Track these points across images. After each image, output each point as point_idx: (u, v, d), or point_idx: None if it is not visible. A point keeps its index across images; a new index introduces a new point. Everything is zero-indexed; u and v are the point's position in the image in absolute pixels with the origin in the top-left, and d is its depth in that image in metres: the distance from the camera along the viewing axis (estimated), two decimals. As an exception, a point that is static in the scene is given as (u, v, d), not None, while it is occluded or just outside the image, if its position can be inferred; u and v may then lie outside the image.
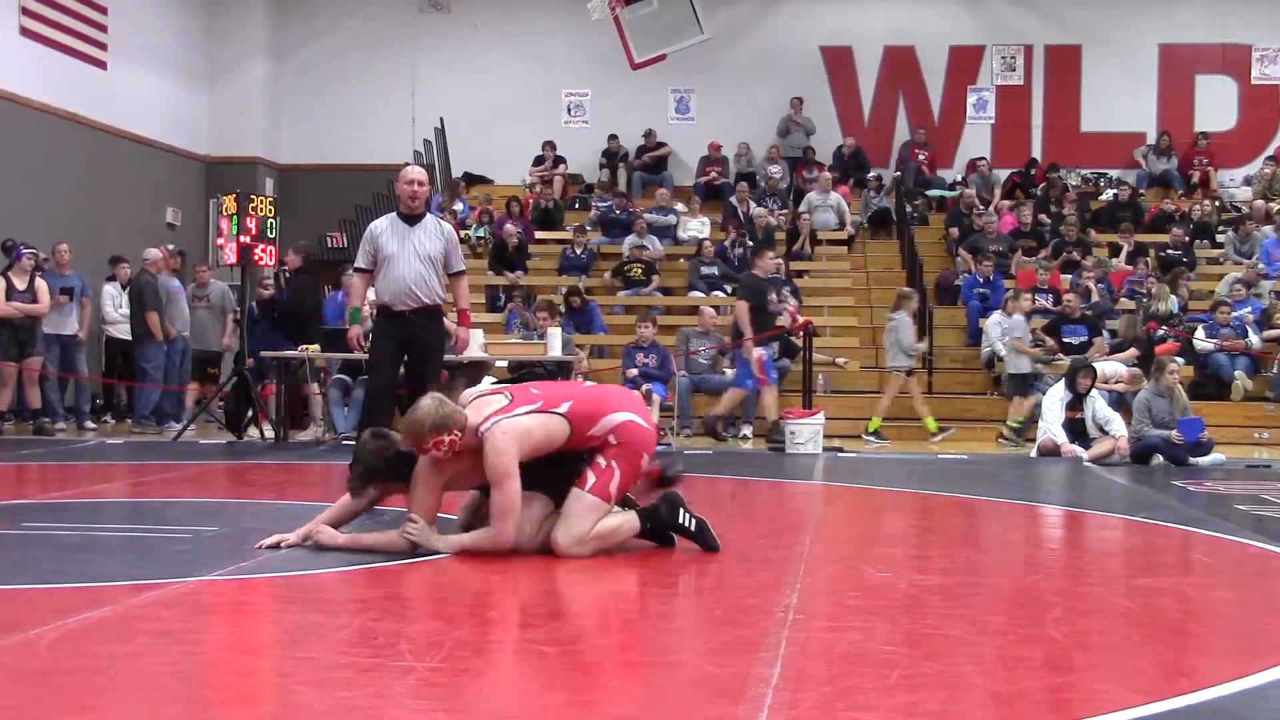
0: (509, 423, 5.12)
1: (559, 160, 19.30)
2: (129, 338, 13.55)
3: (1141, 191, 18.67)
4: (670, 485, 5.64)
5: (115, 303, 13.77)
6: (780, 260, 13.44)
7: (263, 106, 19.52)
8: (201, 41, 19.09)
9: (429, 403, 5.11)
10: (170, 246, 14.48)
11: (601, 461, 5.22)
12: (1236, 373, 13.55)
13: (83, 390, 13.53)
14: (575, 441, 5.23)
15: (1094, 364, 11.92)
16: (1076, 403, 11.09)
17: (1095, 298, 14.77)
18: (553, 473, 5.29)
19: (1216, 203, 18.19)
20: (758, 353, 12.13)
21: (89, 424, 13.09)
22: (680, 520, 5.41)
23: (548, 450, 5.22)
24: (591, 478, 5.20)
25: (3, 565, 5.07)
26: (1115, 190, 18.31)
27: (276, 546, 5.24)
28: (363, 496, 5.40)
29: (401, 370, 7.67)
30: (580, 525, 5.17)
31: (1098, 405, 11.11)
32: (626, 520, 5.35)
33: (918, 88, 19.69)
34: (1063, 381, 11.36)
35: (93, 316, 13.76)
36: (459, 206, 18.08)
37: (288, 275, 13.81)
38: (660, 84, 19.01)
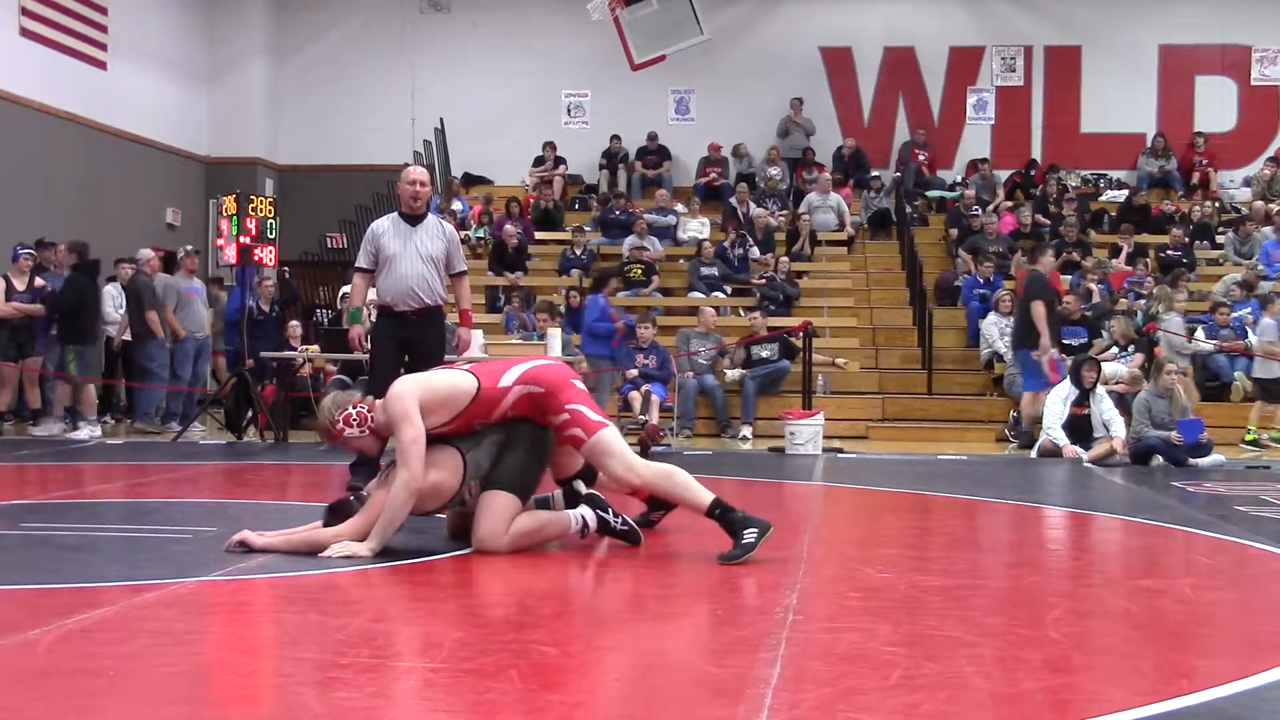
0: (408, 377, 5.42)
1: (559, 161, 19.31)
2: (128, 338, 13.55)
3: (1142, 191, 18.68)
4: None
5: (115, 303, 13.77)
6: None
7: (263, 107, 19.53)
8: (201, 42, 19.09)
9: (325, 399, 5.48)
10: (189, 247, 14.47)
11: (565, 415, 5.26)
12: (1236, 374, 13.55)
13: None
14: (485, 397, 5.24)
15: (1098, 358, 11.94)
16: (1083, 398, 11.07)
17: (1096, 299, 14.77)
18: (518, 471, 5.30)
19: (1216, 204, 18.20)
20: (1051, 352, 11.79)
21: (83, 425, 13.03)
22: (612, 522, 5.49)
23: (453, 406, 5.24)
24: (579, 430, 5.24)
25: (3, 566, 5.07)
26: (1126, 190, 18.30)
27: (244, 545, 5.17)
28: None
29: (402, 371, 7.67)
30: (625, 454, 5.27)
31: (1104, 403, 11.08)
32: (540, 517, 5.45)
33: (917, 88, 19.70)
34: (1067, 379, 11.34)
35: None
36: (457, 206, 18.07)
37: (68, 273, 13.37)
38: (660, 85, 19.01)
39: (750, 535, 5.10)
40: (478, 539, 5.21)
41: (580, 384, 5.44)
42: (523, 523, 5.28)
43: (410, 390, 5.20)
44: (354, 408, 5.28)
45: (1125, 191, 18.55)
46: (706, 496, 5.22)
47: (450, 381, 5.27)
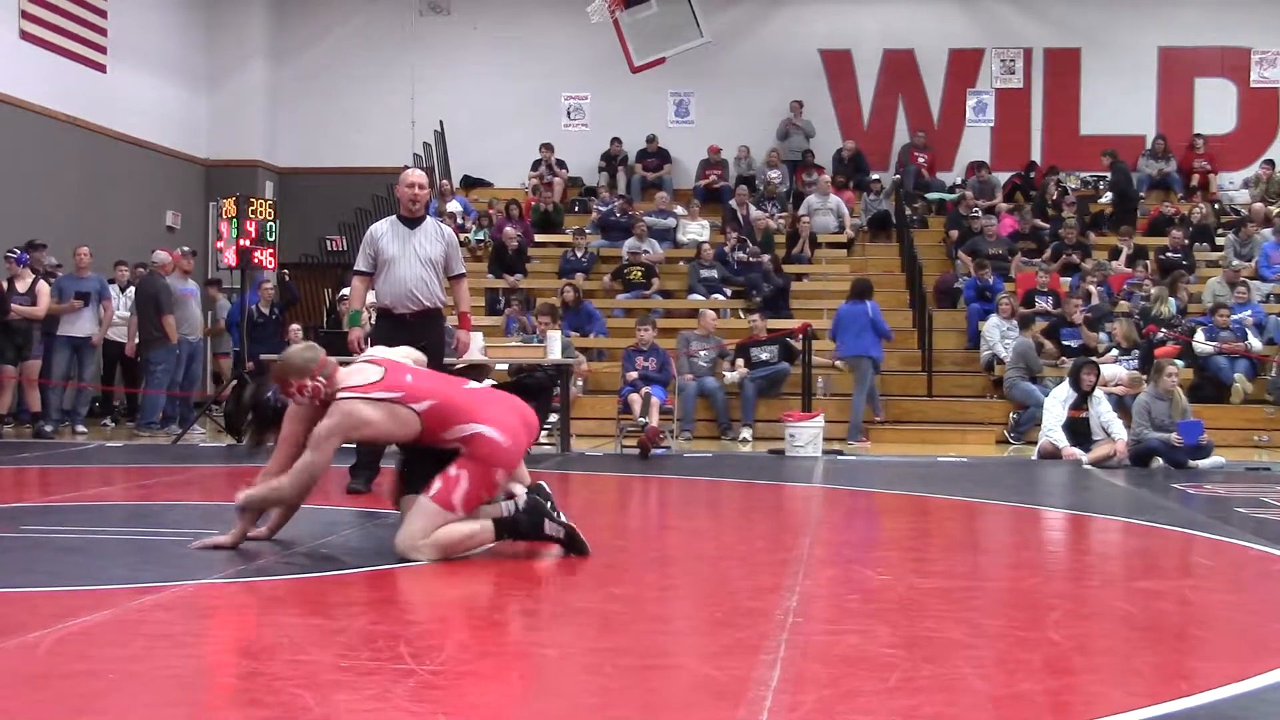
0: (357, 404, 5.14)
1: (559, 163, 19.30)
2: (115, 337, 13.59)
3: (1143, 195, 18.71)
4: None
5: (122, 305, 13.79)
6: None
7: (262, 109, 19.53)
8: (201, 44, 19.10)
9: (298, 347, 5.40)
10: (185, 248, 14.49)
11: (452, 470, 5.13)
12: (1236, 375, 13.55)
13: (83, 393, 13.53)
14: (426, 439, 5.18)
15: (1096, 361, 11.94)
16: (1081, 401, 11.07)
17: (1095, 300, 14.78)
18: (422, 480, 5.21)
19: (1215, 206, 18.20)
20: None
21: (80, 428, 13.04)
22: (545, 531, 5.25)
23: (395, 437, 5.23)
24: (437, 485, 5.11)
25: (3, 568, 5.07)
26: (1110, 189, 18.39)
27: (215, 547, 5.27)
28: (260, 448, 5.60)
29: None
30: (412, 528, 5.10)
31: (1102, 406, 11.08)
32: (481, 530, 5.21)
33: (917, 91, 19.71)
34: (1066, 381, 11.35)
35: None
36: (456, 207, 18.07)
37: None
38: (660, 87, 19.03)
39: (552, 529, 5.18)
40: (398, 547, 5.13)
41: (504, 475, 5.23)
42: (453, 532, 5.18)
43: (345, 426, 5.12)
44: (311, 380, 5.19)
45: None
46: (490, 534, 5.20)
47: (395, 423, 5.14)
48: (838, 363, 14.17)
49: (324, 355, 5.28)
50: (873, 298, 13.51)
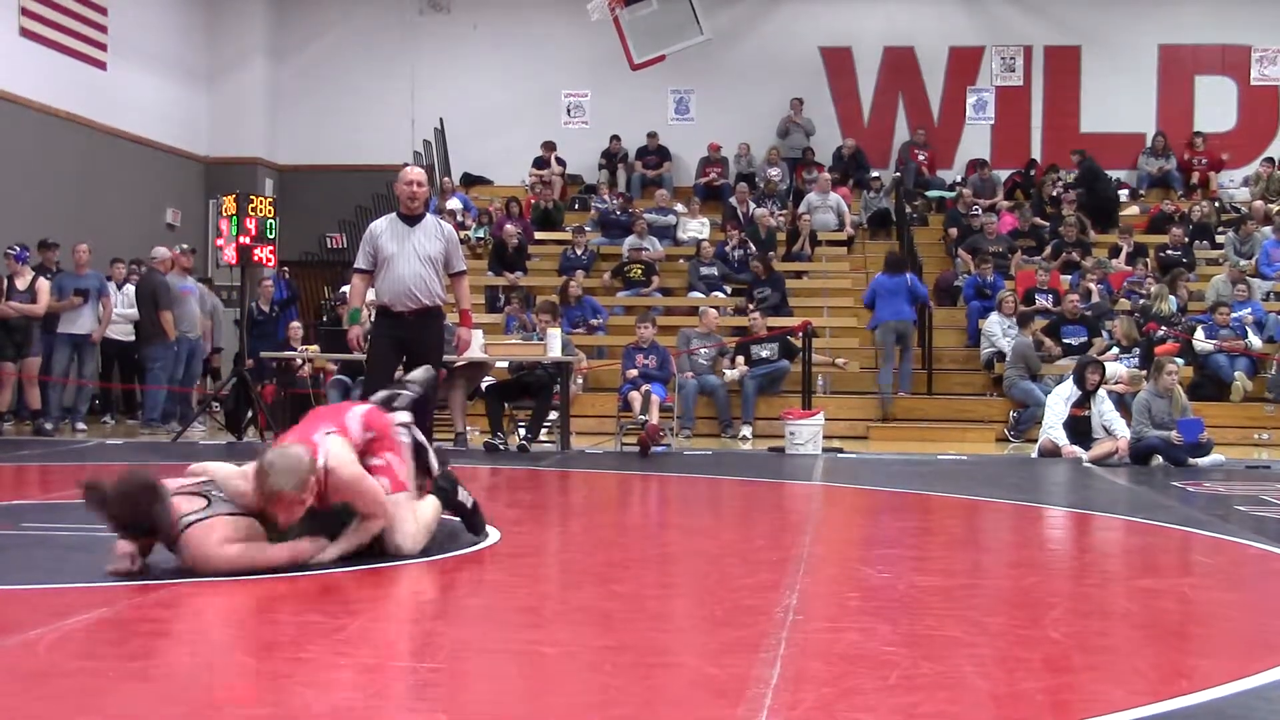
0: (343, 453, 4.96)
1: (559, 161, 19.29)
2: (125, 338, 13.56)
3: (1142, 192, 18.70)
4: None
5: (123, 302, 13.78)
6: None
7: (262, 107, 19.53)
8: (201, 42, 19.10)
9: (287, 462, 4.64)
10: (184, 245, 14.47)
11: (378, 461, 5.13)
12: (1236, 374, 13.54)
13: (83, 390, 13.53)
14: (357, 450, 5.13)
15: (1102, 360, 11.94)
16: (1084, 400, 11.06)
17: (1095, 298, 14.78)
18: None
19: (1216, 203, 18.20)
20: None
21: (80, 425, 13.03)
22: (458, 498, 5.44)
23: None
24: (384, 480, 5.09)
25: (4, 566, 5.07)
26: (1126, 190, 18.35)
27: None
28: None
29: (400, 371, 7.67)
30: (405, 526, 5.09)
31: (1105, 404, 11.08)
32: (436, 504, 5.35)
33: (917, 88, 19.71)
34: (1069, 380, 11.34)
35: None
36: (456, 204, 18.06)
37: None
38: (660, 85, 19.02)
39: (463, 496, 5.39)
40: (407, 549, 5.08)
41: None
42: (425, 515, 5.25)
43: (354, 458, 5.01)
44: (313, 477, 4.73)
45: (1124, 191, 18.55)
46: (439, 503, 5.35)
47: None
48: (839, 360, 14.18)
49: (310, 452, 4.81)
50: (906, 270, 14.01)
